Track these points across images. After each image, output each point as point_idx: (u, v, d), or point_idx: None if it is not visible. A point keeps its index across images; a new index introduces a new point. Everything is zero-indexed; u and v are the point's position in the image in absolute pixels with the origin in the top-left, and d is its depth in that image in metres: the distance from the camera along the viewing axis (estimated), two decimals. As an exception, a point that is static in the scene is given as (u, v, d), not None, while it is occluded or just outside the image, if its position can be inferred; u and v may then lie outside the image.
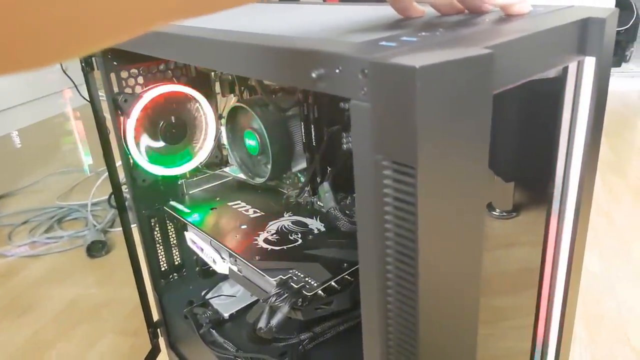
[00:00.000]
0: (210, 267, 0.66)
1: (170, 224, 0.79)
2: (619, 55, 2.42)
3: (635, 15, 2.35)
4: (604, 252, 1.15)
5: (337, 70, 0.30)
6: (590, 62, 0.38)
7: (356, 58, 0.28)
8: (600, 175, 1.51)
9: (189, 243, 0.71)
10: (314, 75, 0.31)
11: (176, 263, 0.82)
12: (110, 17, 0.18)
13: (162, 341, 0.86)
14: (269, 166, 0.64)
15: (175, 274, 0.82)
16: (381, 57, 0.27)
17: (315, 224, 0.63)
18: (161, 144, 0.71)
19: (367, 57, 0.28)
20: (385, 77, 0.27)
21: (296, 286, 0.50)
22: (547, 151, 0.43)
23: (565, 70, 0.39)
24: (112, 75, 0.67)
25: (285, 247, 0.58)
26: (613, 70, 2.38)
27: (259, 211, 0.68)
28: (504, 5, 0.39)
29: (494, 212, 0.45)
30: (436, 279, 0.30)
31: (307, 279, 0.51)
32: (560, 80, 0.40)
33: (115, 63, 0.67)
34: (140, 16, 0.18)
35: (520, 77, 0.33)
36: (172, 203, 0.74)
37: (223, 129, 0.73)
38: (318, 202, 0.67)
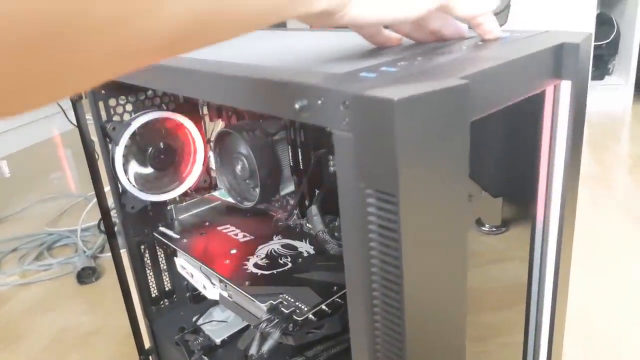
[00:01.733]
0: (201, 292, 0.66)
1: (160, 249, 0.79)
2: (602, 69, 2.46)
3: (615, 30, 2.40)
4: (592, 267, 1.16)
5: (319, 102, 0.30)
6: (566, 86, 0.39)
7: (337, 90, 0.29)
8: (586, 189, 1.53)
9: (179, 269, 0.70)
10: (297, 106, 0.32)
11: (167, 289, 0.81)
12: (106, 60, 0.18)
13: (154, 368, 0.86)
14: (258, 190, 0.65)
15: (166, 300, 0.81)
16: (361, 89, 0.28)
17: (305, 247, 0.63)
18: (150, 170, 0.72)
19: (348, 89, 0.28)
20: (366, 108, 0.27)
21: (287, 311, 0.51)
22: (531, 169, 0.44)
23: (542, 93, 0.40)
24: (100, 104, 0.68)
25: (275, 271, 0.58)
26: (596, 83, 2.42)
27: (248, 235, 0.68)
28: (480, 30, 0.40)
29: (484, 228, 0.45)
30: (421, 301, 0.31)
31: (297, 303, 0.52)
32: (539, 103, 0.41)
33: (103, 92, 0.67)
34: (130, 58, 0.19)
35: (497, 104, 0.34)
36: (162, 229, 0.74)
37: (211, 153, 0.73)
38: (307, 224, 0.67)
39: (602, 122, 2.15)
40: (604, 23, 2.41)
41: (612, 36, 2.40)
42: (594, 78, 2.44)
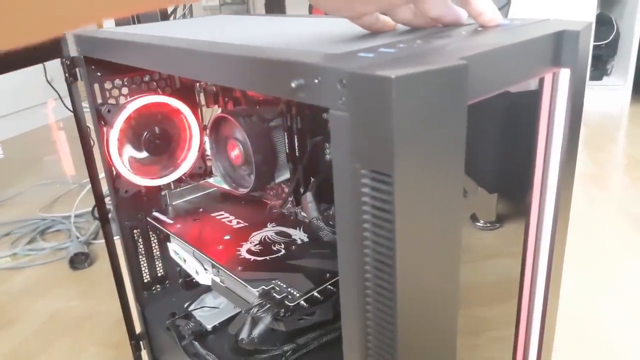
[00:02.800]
0: (194, 278, 0.66)
1: (153, 235, 0.78)
2: (600, 69, 2.46)
3: (615, 30, 2.40)
4: (586, 265, 1.17)
5: (316, 81, 0.30)
6: (565, 74, 0.39)
7: (334, 68, 0.29)
8: (583, 188, 1.53)
9: (172, 254, 0.70)
10: (293, 85, 0.31)
11: (159, 274, 0.81)
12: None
13: (144, 354, 0.85)
14: (253, 177, 0.64)
15: (158, 286, 0.81)
16: (359, 67, 0.28)
17: (299, 235, 0.63)
18: (144, 154, 0.71)
19: (345, 67, 0.28)
20: (363, 87, 0.27)
21: (279, 297, 0.50)
22: (527, 162, 0.44)
23: (541, 81, 0.40)
24: (96, 86, 0.67)
25: (268, 257, 0.58)
26: (595, 83, 2.43)
27: (242, 222, 0.68)
28: (475, 15, 0.40)
29: (478, 223, 0.45)
30: (414, 286, 0.30)
31: (289, 289, 0.51)
32: (536, 91, 0.41)
33: (99, 74, 0.67)
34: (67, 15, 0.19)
35: (495, 88, 0.33)
36: (155, 214, 0.74)
37: (207, 139, 0.73)
38: (301, 213, 0.67)
39: (600, 122, 2.15)
40: (604, 23, 2.41)
41: (611, 36, 2.40)
42: (592, 78, 2.44)
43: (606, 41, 2.41)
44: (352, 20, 0.41)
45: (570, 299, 1.03)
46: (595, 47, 2.37)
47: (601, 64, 2.45)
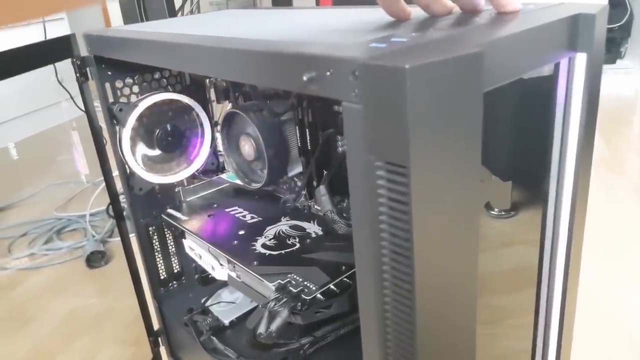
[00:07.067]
0: (210, 274, 0.66)
1: (169, 231, 0.79)
2: (614, 52, 2.42)
3: (628, 12, 2.36)
4: (604, 250, 1.15)
5: (328, 73, 0.30)
6: (581, 58, 0.38)
7: (346, 60, 0.28)
8: (598, 173, 1.52)
9: (188, 250, 0.70)
10: (305, 78, 0.31)
11: (175, 271, 0.81)
12: None
13: (163, 350, 0.86)
14: (265, 171, 0.64)
15: (174, 282, 0.82)
16: (371, 58, 0.27)
17: (313, 228, 0.63)
18: (157, 152, 0.71)
19: (358, 58, 0.28)
20: (376, 78, 0.27)
21: (295, 290, 0.50)
22: (542, 149, 0.43)
23: (557, 66, 0.39)
24: (107, 85, 0.67)
25: (283, 251, 0.58)
26: (608, 67, 2.39)
27: (256, 216, 0.68)
28: (495, 1, 0.39)
29: (493, 212, 0.45)
30: (432, 277, 0.30)
31: (305, 282, 0.51)
32: (552, 76, 0.40)
33: (109, 73, 0.67)
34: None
35: (511, 75, 0.33)
36: (170, 211, 0.74)
37: (219, 135, 0.73)
38: (315, 206, 0.67)
39: (615, 106, 2.12)
40: (617, 5, 2.37)
41: (625, 18, 2.36)
42: (605, 62, 2.40)
43: (619, 24, 2.37)
44: None
45: (590, 287, 1.02)
46: (608, 29, 2.33)
47: (615, 47, 2.42)
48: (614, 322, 0.94)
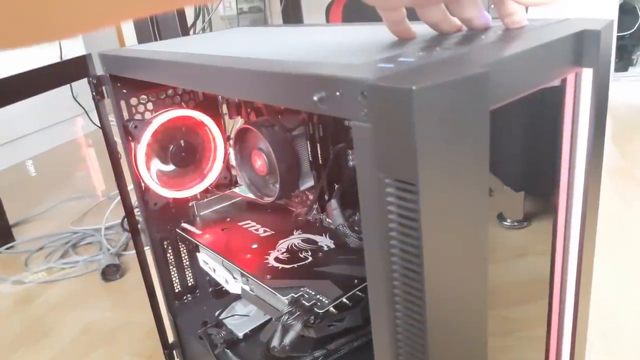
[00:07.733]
0: (224, 287, 0.67)
1: (183, 245, 0.80)
2: (626, 60, 2.41)
3: (639, 19, 2.35)
4: (619, 260, 1.14)
5: (338, 93, 0.31)
6: (587, 74, 0.39)
7: (355, 81, 0.29)
8: (612, 182, 1.50)
9: (202, 264, 0.71)
10: (315, 98, 0.32)
11: (189, 284, 0.82)
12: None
13: (178, 363, 0.87)
14: (277, 185, 0.65)
15: (189, 295, 0.83)
16: (379, 79, 0.28)
17: (325, 241, 0.64)
18: (171, 167, 0.73)
19: (366, 79, 0.28)
20: (384, 98, 0.28)
21: (308, 304, 0.51)
22: (553, 161, 0.44)
23: (563, 81, 0.40)
24: (122, 103, 0.69)
25: (296, 265, 0.59)
26: (620, 75, 2.38)
27: (269, 230, 0.69)
28: (506, 14, 0.40)
29: (505, 222, 0.45)
30: (442, 290, 0.31)
31: (318, 296, 0.52)
32: (560, 91, 0.41)
33: (124, 91, 0.69)
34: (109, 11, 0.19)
35: (517, 92, 0.33)
36: (184, 225, 0.75)
37: (231, 150, 0.74)
38: (327, 219, 0.67)
39: (628, 114, 2.11)
40: (628, 12, 2.36)
41: (636, 26, 2.34)
42: (617, 70, 2.39)
43: (630, 31, 2.36)
44: (380, 11, 0.41)
45: (602, 297, 1.01)
46: (619, 37, 2.33)
47: (626, 54, 2.41)
48: (628, 334, 0.93)
